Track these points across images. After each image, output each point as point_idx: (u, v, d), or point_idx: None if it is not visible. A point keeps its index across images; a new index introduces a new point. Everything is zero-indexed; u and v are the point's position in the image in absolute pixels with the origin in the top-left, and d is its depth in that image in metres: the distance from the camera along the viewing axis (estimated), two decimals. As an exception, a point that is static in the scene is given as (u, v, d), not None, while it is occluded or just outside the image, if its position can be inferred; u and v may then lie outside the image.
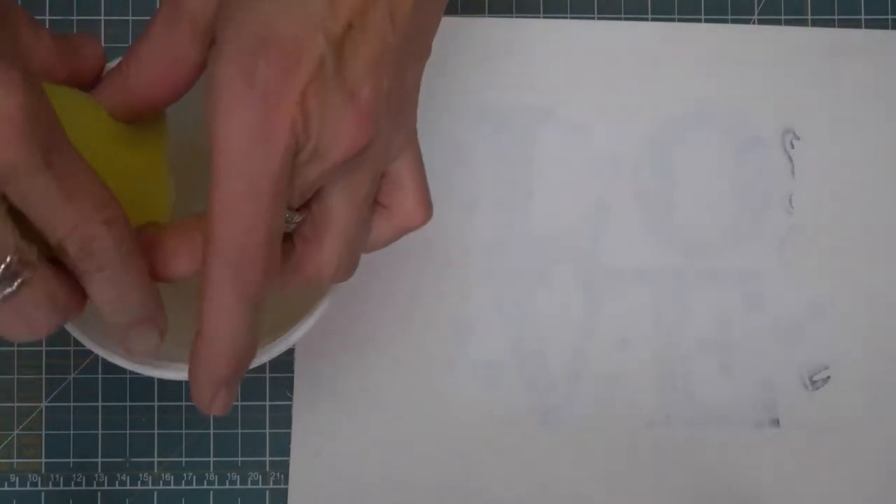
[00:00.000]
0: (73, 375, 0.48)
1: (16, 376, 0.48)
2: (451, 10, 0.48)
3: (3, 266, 0.30)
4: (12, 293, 0.30)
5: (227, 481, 0.49)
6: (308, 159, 0.32)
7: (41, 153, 0.29)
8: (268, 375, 0.49)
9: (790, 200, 0.50)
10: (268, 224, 0.32)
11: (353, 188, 0.34)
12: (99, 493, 0.48)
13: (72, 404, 0.48)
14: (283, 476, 0.49)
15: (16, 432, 0.48)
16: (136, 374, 0.40)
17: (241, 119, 0.31)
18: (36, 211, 0.30)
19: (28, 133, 0.28)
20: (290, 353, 0.48)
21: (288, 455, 0.49)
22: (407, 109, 0.35)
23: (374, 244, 0.37)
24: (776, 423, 0.49)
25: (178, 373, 0.40)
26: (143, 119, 0.35)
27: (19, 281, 0.30)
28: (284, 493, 0.49)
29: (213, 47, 0.33)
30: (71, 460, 0.48)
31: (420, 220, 0.36)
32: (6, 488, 0.48)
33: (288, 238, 0.34)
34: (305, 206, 0.34)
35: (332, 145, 0.32)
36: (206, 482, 0.48)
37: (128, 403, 0.49)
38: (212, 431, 0.49)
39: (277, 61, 0.31)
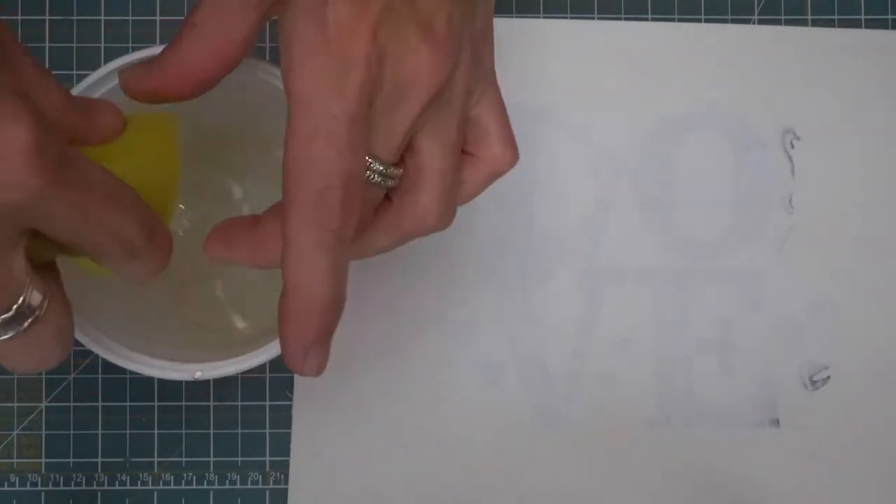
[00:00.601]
0: (73, 375, 0.48)
1: (16, 376, 0.48)
2: (451, 10, 0.48)
3: (16, 306, 0.30)
4: (23, 332, 0.30)
5: (227, 481, 0.49)
6: (391, 102, 0.32)
7: (55, 176, 0.28)
8: (268, 375, 0.49)
9: (790, 200, 0.50)
10: (345, 168, 0.31)
11: (442, 133, 0.33)
12: (99, 493, 0.48)
13: (72, 404, 0.48)
14: (283, 476, 0.49)
15: (16, 432, 0.48)
16: (136, 374, 0.40)
17: (315, 63, 0.31)
18: (62, 229, 0.29)
19: (41, 163, 0.27)
20: (290, 353, 0.48)
21: (288, 455, 0.49)
22: (482, 46, 0.35)
23: (467, 194, 0.36)
24: (776, 423, 0.49)
25: (178, 373, 0.40)
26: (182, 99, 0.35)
27: (30, 319, 0.30)
28: (284, 493, 0.49)
29: (280, 4, 0.32)
30: (71, 460, 0.48)
31: (508, 163, 0.36)
32: (6, 488, 0.48)
33: (388, 198, 0.34)
34: (401, 163, 0.34)
35: (414, 82, 0.32)
36: (206, 482, 0.48)
37: (128, 403, 0.49)
38: (212, 431, 0.49)
39: (346, 2, 0.31)
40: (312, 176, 0.31)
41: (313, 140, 0.31)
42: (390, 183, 0.34)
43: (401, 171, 0.34)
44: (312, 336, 0.33)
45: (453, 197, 0.35)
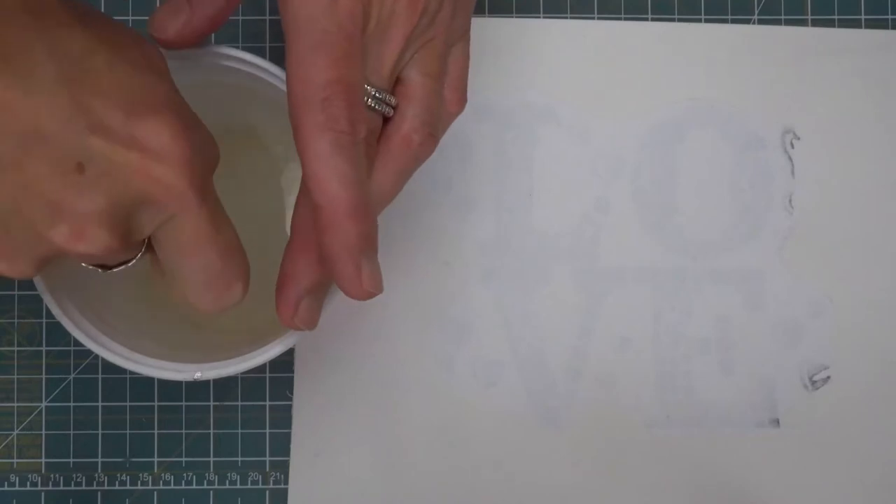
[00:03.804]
0: (73, 375, 0.48)
1: (16, 376, 0.48)
2: (451, 10, 0.48)
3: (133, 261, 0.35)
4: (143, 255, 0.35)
5: (227, 481, 0.49)
6: (378, 33, 0.35)
7: (200, 191, 0.33)
8: (268, 375, 0.49)
9: (790, 200, 0.50)
10: (345, 75, 0.34)
11: (426, 65, 0.37)
12: (99, 493, 0.48)
13: (72, 404, 0.48)
14: (283, 476, 0.49)
15: (16, 432, 0.48)
16: (136, 374, 0.40)
17: None
18: (178, 243, 0.34)
19: (191, 172, 0.32)
20: (290, 353, 0.48)
21: (288, 455, 0.49)
22: (467, 4, 0.39)
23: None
24: (776, 423, 0.49)
25: (178, 373, 0.40)
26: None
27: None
28: (284, 493, 0.49)
29: None
30: (71, 460, 0.48)
31: (454, 108, 0.39)
32: (6, 488, 0.48)
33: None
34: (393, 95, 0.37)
35: (396, 15, 0.36)
36: (206, 482, 0.48)
37: (128, 403, 0.49)
38: (212, 431, 0.49)
39: None
40: (316, 84, 0.34)
41: (312, 54, 0.34)
42: (386, 109, 0.37)
43: (395, 98, 0.37)
44: (356, 247, 0.35)
45: (436, 122, 0.38)
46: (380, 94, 0.36)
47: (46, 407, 0.48)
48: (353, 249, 0.35)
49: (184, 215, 0.33)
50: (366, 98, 0.36)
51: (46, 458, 0.48)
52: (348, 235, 0.35)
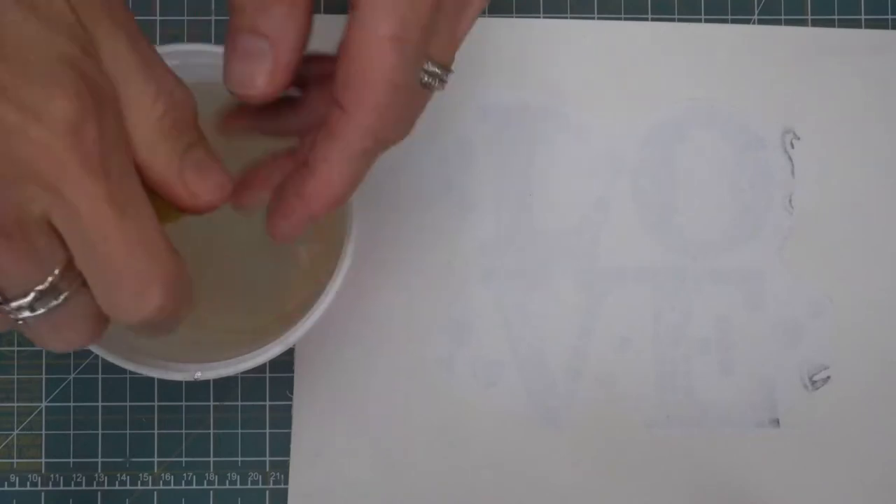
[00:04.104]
0: (73, 375, 0.48)
1: (16, 376, 0.48)
2: (451, 10, 0.48)
3: (49, 280, 0.29)
4: (56, 307, 0.30)
5: (227, 481, 0.49)
6: (456, 8, 0.33)
7: (91, 167, 0.28)
8: (268, 375, 0.49)
9: (790, 200, 0.50)
10: (410, 80, 0.32)
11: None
12: (99, 493, 0.48)
13: (72, 404, 0.48)
14: (283, 476, 0.49)
15: (16, 432, 0.48)
16: (136, 374, 0.40)
17: None
18: (77, 240, 0.29)
19: (75, 142, 0.28)
20: (290, 353, 0.48)
21: (288, 455, 0.49)
22: None
23: None
24: (776, 423, 0.49)
25: (178, 373, 0.40)
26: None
27: (64, 295, 0.30)
28: (284, 493, 0.49)
29: None
30: (71, 460, 0.48)
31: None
32: (6, 488, 0.48)
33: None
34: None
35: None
36: (206, 482, 0.48)
37: (128, 403, 0.49)
38: (212, 431, 0.49)
39: None
40: (379, 86, 0.31)
41: (385, 47, 0.31)
42: (441, 86, 0.34)
43: (451, 72, 0.34)
44: (307, 220, 0.34)
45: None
46: (442, 72, 0.33)
47: (46, 407, 0.48)
48: (304, 221, 0.34)
49: (72, 192, 0.28)
50: (424, 76, 0.33)
51: (46, 458, 0.48)
52: (308, 215, 0.34)
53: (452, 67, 0.34)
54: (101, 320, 0.31)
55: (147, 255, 0.30)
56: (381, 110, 0.32)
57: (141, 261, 0.29)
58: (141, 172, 0.31)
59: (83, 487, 0.48)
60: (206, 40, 0.49)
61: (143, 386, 0.49)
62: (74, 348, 0.32)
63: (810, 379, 0.50)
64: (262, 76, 0.32)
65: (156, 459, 0.49)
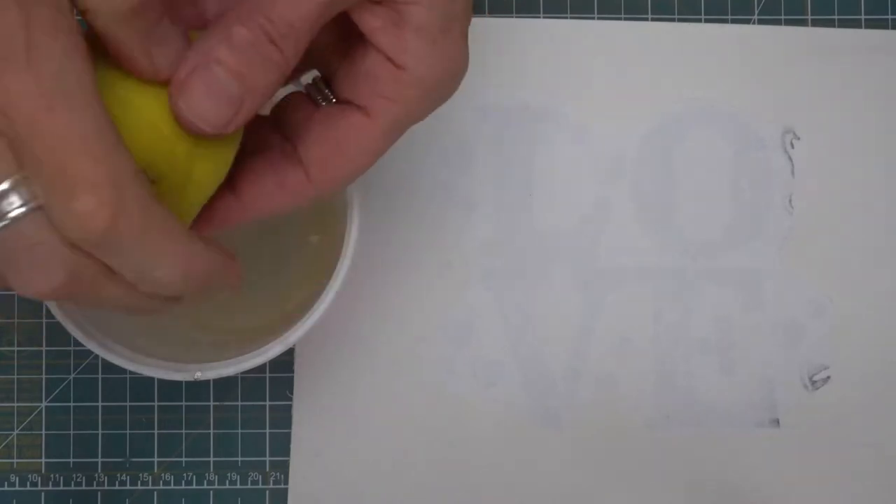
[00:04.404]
0: (73, 375, 0.48)
1: (16, 376, 0.48)
2: (451, 10, 0.48)
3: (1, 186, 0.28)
4: (14, 221, 0.28)
5: (227, 481, 0.49)
6: None
7: (51, 99, 0.27)
8: (268, 375, 0.49)
9: (790, 200, 0.50)
10: None
11: None
12: (99, 493, 0.48)
13: (72, 404, 0.48)
14: (283, 476, 0.49)
15: (16, 432, 0.48)
16: (136, 374, 0.40)
17: None
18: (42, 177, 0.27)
19: (37, 74, 0.26)
20: (290, 353, 0.48)
21: (288, 455, 0.49)
22: None
23: None
24: (776, 423, 0.49)
25: (178, 373, 0.40)
26: None
27: (18, 209, 0.28)
28: (284, 493, 0.49)
29: None
30: (71, 460, 0.48)
31: None
32: (6, 488, 0.48)
33: None
34: None
35: None
36: (206, 482, 0.48)
37: (128, 403, 0.49)
38: (212, 431, 0.49)
39: None
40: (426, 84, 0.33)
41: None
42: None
43: None
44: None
45: None
46: None
47: (46, 407, 0.48)
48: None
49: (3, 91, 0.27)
50: None
51: (46, 458, 0.48)
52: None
53: None
54: (66, 262, 0.29)
55: (85, 153, 0.27)
56: (343, 185, 0.34)
57: (79, 159, 0.27)
58: (106, 44, 0.30)
59: (83, 487, 0.48)
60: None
61: (143, 386, 0.49)
62: (43, 290, 0.29)
63: (810, 379, 0.50)
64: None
65: (156, 459, 0.49)
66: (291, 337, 0.40)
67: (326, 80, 0.35)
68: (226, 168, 0.34)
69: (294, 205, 0.34)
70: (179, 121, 0.31)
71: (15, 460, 0.48)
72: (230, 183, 0.34)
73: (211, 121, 0.31)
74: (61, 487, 0.48)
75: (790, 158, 0.50)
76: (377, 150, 0.34)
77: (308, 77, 0.36)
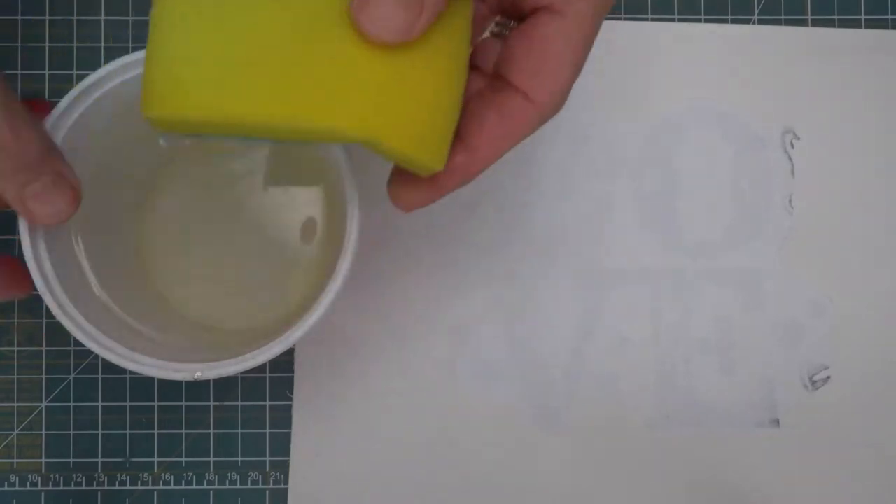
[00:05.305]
0: (73, 375, 0.48)
1: (16, 376, 0.48)
2: (451, 10, 0.48)
3: None
4: None
5: (227, 481, 0.49)
6: None
7: None
8: (268, 375, 0.49)
9: (790, 200, 0.50)
10: None
11: None
12: (99, 493, 0.48)
13: (72, 404, 0.48)
14: (283, 476, 0.49)
15: (16, 432, 0.48)
16: (136, 374, 0.40)
17: None
18: None
19: None
20: (290, 353, 0.48)
21: (288, 455, 0.49)
22: None
23: None
24: (776, 423, 0.49)
25: (178, 373, 0.40)
26: None
27: None
28: (284, 493, 0.49)
29: None
30: (71, 460, 0.48)
31: None
32: (6, 488, 0.48)
33: None
34: None
35: None
36: (206, 482, 0.48)
37: (128, 403, 0.49)
38: (212, 431, 0.49)
39: None
40: (569, 81, 0.36)
41: (580, 49, 0.36)
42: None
43: None
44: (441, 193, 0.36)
45: None
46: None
47: (46, 407, 0.48)
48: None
49: None
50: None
51: (46, 458, 0.48)
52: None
53: None
54: None
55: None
56: (563, 98, 0.35)
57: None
58: None
59: (83, 487, 0.48)
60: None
61: (143, 386, 0.49)
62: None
63: (810, 379, 0.50)
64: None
65: (156, 459, 0.49)
66: (291, 337, 0.40)
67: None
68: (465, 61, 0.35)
69: (521, 135, 0.37)
70: (367, 35, 0.32)
71: (15, 460, 0.48)
72: (459, 137, 0.36)
73: (394, 27, 0.31)
74: (61, 487, 0.48)
75: (790, 158, 0.50)
76: (585, 44, 0.37)
77: (490, 26, 0.38)
